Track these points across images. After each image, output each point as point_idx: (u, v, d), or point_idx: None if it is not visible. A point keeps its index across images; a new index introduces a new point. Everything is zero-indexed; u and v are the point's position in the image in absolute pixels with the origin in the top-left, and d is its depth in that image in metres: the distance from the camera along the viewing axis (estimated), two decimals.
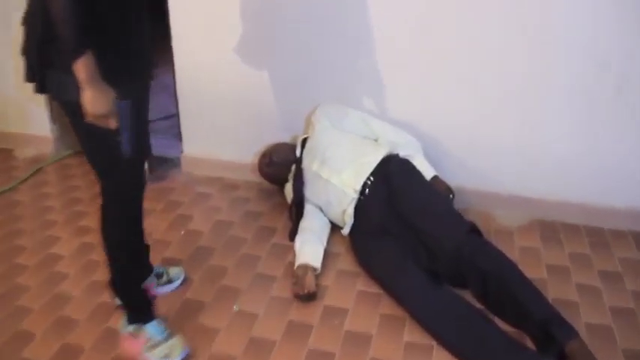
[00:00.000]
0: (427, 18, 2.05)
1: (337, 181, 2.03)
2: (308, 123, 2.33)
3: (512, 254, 1.86)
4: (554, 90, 2.03)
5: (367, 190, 1.99)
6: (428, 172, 2.11)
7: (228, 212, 2.34)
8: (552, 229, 2.15)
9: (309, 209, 2.14)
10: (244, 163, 2.52)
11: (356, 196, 2.00)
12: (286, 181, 2.30)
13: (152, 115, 1.56)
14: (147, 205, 1.58)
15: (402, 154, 2.11)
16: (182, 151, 2.65)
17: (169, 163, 2.70)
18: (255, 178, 2.46)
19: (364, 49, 2.17)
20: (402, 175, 2.00)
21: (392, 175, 1.98)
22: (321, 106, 2.25)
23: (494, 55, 2.04)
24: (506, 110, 2.11)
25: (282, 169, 2.27)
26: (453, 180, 2.14)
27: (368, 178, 1.99)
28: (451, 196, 2.08)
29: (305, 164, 2.16)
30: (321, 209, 2.14)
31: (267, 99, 2.37)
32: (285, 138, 2.40)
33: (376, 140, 2.18)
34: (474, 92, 2.11)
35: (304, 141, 2.24)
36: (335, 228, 2.12)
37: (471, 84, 2.11)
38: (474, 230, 1.78)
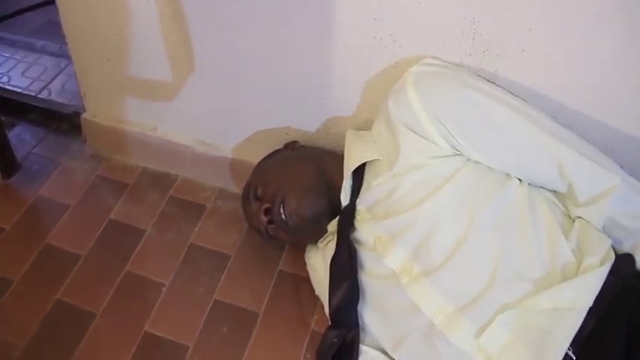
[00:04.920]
0: None
1: (470, 345, 0.77)
2: (368, 109, 1.03)
3: None
4: None
5: None
6: None
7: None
8: None
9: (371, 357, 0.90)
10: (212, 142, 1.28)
11: None
12: (310, 242, 1.12)
13: None
14: None
15: None
16: (83, 108, 1.38)
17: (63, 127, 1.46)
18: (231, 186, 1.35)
19: None
20: None
21: None
22: (412, 75, 0.86)
23: None
24: None
25: (304, 227, 1.01)
26: None
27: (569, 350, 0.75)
28: None
29: (362, 235, 0.92)
30: None
31: None
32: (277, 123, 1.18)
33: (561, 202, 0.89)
34: None
35: (361, 170, 0.96)
36: None
37: None
38: None
